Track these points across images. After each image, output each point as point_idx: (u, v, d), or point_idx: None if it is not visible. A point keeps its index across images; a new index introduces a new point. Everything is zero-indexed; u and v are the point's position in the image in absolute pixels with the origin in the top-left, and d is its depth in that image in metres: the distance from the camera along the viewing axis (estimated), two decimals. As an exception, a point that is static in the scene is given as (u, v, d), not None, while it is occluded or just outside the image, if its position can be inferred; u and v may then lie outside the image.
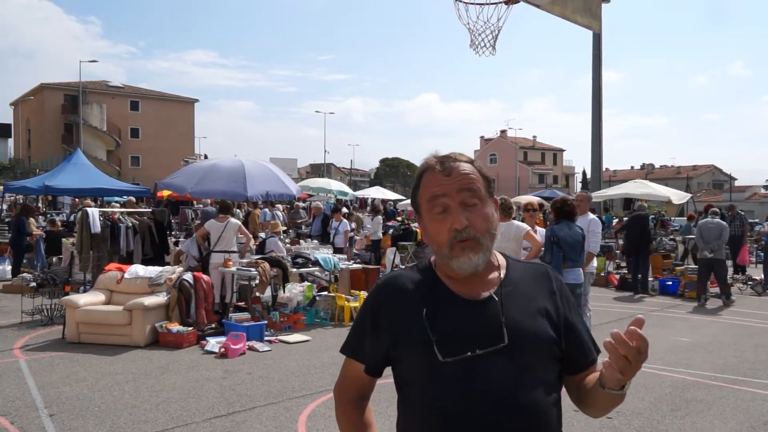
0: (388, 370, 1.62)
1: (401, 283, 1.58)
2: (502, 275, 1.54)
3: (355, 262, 11.45)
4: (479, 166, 1.55)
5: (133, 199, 15.58)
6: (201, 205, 19.77)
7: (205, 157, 47.42)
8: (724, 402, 5.66)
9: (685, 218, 19.11)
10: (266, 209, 16.84)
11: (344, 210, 18.39)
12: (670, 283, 12.45)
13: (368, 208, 22.58)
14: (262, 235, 11.98)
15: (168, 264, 10.37)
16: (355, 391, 1.67)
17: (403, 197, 37.81)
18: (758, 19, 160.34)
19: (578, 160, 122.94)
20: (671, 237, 16.63)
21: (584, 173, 74.17)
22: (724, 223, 11.58)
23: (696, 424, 5.09)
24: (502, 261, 1.59)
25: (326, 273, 10.56)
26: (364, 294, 9.46)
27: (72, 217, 16.66)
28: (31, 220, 13.86)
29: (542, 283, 1.56)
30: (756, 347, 7.96)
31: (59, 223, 14.76)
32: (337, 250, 12.54)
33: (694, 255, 13.31)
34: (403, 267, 12.30)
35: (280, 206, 18.92)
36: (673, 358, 7.27)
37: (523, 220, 7.63)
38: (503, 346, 1.42)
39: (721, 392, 5.96)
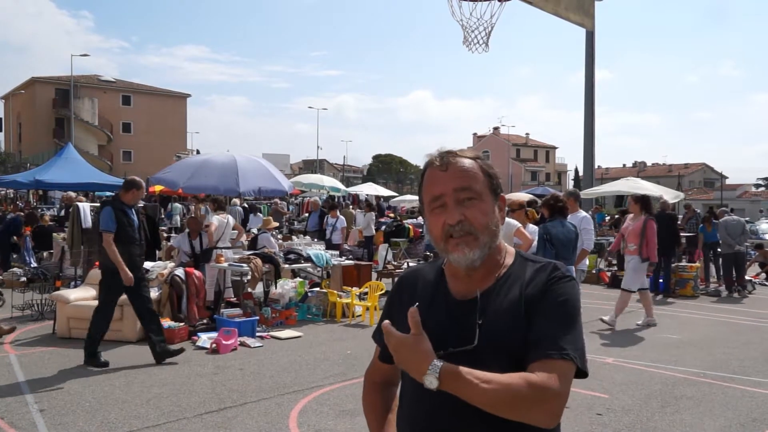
0: None
1: (415, 277, 1.63)
2: (500, 274, 1.51)
3: (347, 258, 11.45)
4: (483, 163, 1.53)
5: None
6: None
7: (198, 152, 47.20)
8: (713, 399, 5.70)
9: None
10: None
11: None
12: (661, 280, 12.49)
13: (362, 204, 22.54)
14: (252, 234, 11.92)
15: (159, 259, 10.33)
16: (379, 375, 1.73)
17: (396, 194, 37.86)
18: (750, 19, 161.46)
19: (570, 157, 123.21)
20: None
21: (576, 171, 74.48)
22: (743, 219, 12.65)
23: (685, 420, 5.13)
24: (509, 260, 1.55)
25: (318, 269, 10.55)
26: (356, 290, 9.47)
27: (62, 212, 16.55)
28: None
29: (536, 280, 1.49)
30: (745, 344, 8.02)
31: (48, 218, 14.67)
32: (332, 247, 12.52)
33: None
34: (400, 262, 12.39)
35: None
36: (662, 355, 7.31)
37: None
38: (472, 347, 1.41)
39: (711, 389, 6.00)
